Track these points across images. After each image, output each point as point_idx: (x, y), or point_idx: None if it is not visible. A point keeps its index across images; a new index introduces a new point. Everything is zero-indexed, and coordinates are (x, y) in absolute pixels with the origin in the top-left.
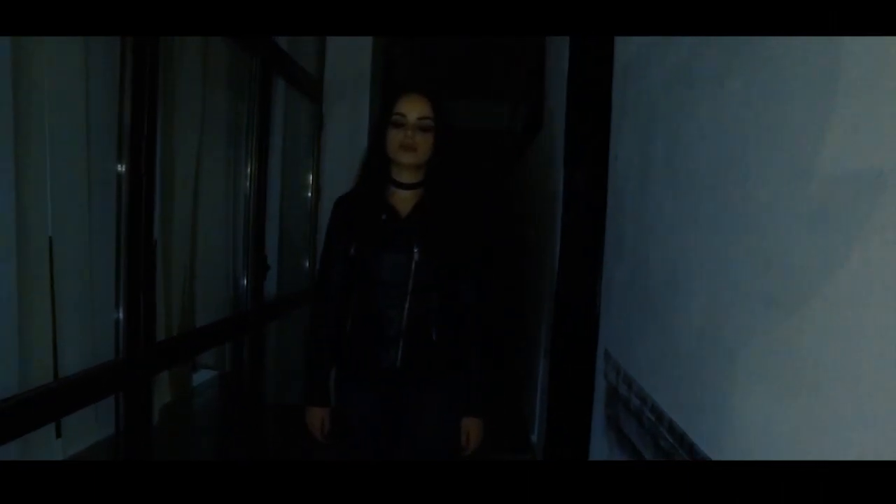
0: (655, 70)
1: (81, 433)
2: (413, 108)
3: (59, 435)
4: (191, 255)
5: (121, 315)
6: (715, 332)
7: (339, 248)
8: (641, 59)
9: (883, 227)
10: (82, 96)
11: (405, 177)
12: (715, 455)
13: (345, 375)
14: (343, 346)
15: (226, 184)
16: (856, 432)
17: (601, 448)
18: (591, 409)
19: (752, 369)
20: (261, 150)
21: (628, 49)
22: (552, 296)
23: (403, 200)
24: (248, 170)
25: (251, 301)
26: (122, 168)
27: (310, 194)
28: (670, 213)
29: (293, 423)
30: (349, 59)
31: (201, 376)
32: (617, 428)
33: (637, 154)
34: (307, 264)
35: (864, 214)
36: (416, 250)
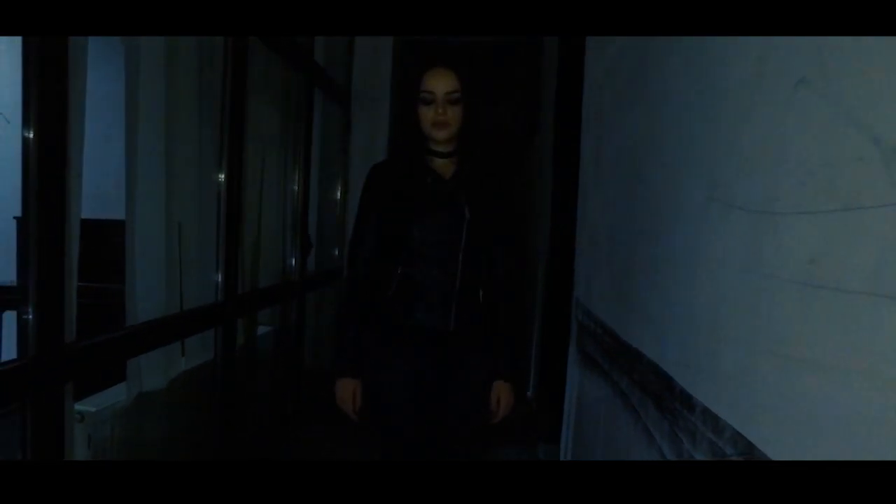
0: (606, 93)
1: (195, 355)
2: (440, 84)
3: (183, 353)
4: (256, 236)
5: (219, 275)
6: (631, 260)
7: (376, 213)
8: (597, 84)
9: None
10: (197, 121)
11: (441, 147)
12: (622, 334)
13: (379, 340)
14: (384, 310)
15: (279, 180)
16: (698, 304)
17: (574, 371)
18: (568, 346)
19: (644, 275)
20: (306, 152)
21: (591, 75)
22: (544, 273)
23: (443, 166)
24: (296, 168)
25: (298, 273)
26: (221, 177)
27: (339, 188)
28: (612, 191)
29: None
30: (372, 67)
31: (260, 330)
32: (583, 351)
33: (594, 152)
34: (336, 247)
35: (711, 179)
36: (466, 210)
